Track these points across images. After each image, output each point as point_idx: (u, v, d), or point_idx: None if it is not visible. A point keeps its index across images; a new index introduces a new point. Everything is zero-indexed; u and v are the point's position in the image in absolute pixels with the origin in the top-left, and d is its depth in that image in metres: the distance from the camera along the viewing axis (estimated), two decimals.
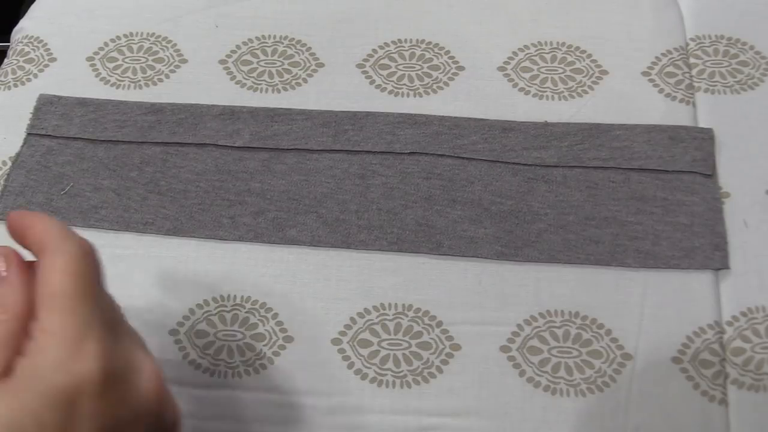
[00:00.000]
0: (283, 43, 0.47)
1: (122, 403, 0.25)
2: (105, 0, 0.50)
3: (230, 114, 0.44)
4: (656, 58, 0.44)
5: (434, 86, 0.44)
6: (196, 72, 0.46)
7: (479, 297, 0.38)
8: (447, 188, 0.41)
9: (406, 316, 0.38)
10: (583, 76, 0.44)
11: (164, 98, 0.45)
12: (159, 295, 0.39)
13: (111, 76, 0.46)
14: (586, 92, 0.44)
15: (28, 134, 0.44)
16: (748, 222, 0.39)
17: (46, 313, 0.25)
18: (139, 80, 0.46)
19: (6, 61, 0.48)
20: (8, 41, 0.50)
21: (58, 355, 0.24)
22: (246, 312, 0.39)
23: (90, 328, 0.24)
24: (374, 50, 0.46)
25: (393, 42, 0.46)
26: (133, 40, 0.48)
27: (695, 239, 0.39)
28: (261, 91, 0.45)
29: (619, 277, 0.38)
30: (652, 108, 0.43)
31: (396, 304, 0.38)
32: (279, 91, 0.45)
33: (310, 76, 0.45)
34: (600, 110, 0.43)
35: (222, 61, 0.46)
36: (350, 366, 0.37)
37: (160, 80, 0.46)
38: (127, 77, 0.46)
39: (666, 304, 0.38)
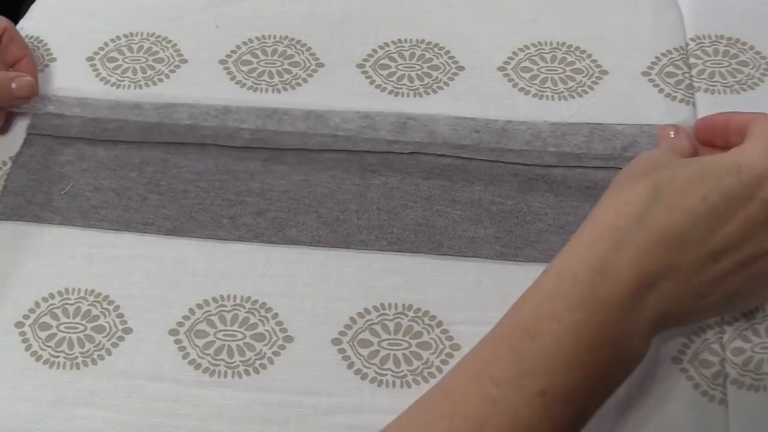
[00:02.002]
0: (283, 43, 0.47)
1: None
2: (105, 0, 0.50)
3: (230, 114, 0.44)
4: (656, 58, 0.44)
5: (434, 86, 0.44)
6: (196, 72, 0.46)
7: (479, 297, 0.38)
8: (447, 188, 0.41)
9: (406, 316, 0.38)
10: (583, 76, 0.44)
11: (164, 98, 0.45)
12: (159, 295, 0.39)
13: (111, 76, 0.46)
14: (586, 92, 0.44)
15: (28, 134, 0.44)
16: None
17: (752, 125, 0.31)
18: (139, 80, 0.46)
19: None
20: None
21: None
22: (246, 312, 0.39)
23: None
24: (374, 50, 0.46)
25: (393, 42, 0.46)
26: (133, 40, 0.48)
27: None
28: (261, 91, 0.45)
29: None
30: (652, 108, 0.43)
31: (396, 304, 0.38)
32: (279, 91, 0.45)
33: (310, 76, 0.45)
34: (600, 110, 0.43)
35: (222, 61, 0.46)
36: (350, 366, 0.37)
37: (160, 80, 0.46)
38: (127, 77, 0.46)
39: None
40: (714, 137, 0.35)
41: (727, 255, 0.29)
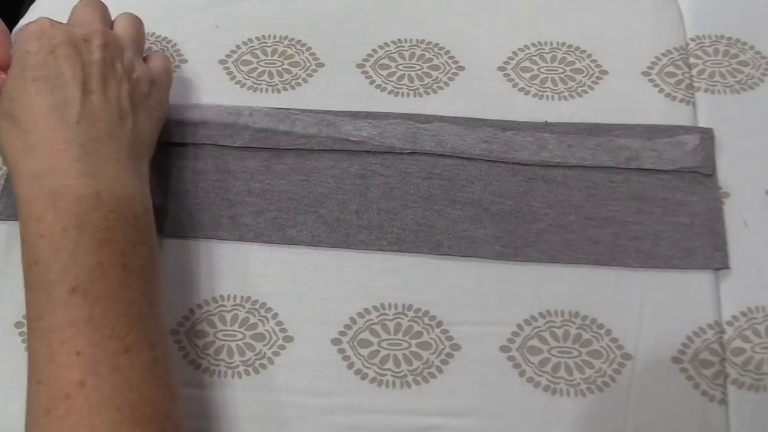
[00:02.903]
0: (283, 43, 0.47)
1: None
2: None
3: (230, 114, 0.44)
4: (656, 58, 0.44)
5: (434, 86, 0.44)
6: (196, 72, 0.46)
7: (479, 297, 0.38)
8: (447, 188, 0.41)
9: (406, 316, 0.38)
10: (583, 76, 0.44)
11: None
12: None
13: None
14: (586, 92, 0.44)
15: None
16: (748, 222, 0.39)
17: None
18: None
19: None
20: None
21: None
22: (246, 312, 0.39)
23: None
24: (374, 50, 0.46)
25: (393, 42, 0.46)
26: None
27: (695, 239, 0.39)
28: (261, 91, 0.45)
29: (619, 277, 0.38)
30: (652, 108, 0.43)
31: (396, 304, 0.38)
32: (279, 91, 0.45)
33: (310, 76, 0.45)
34: (600, 110, 0.43)
35: (222, 61, 0.46)
36: (350, 366, 0.37)
37: None
38: None
39: (666, 304, 0.38)
40: None
41: (94, 86, 0.36)
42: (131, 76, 0.38)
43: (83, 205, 0.32)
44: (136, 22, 0.42)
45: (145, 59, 0.42)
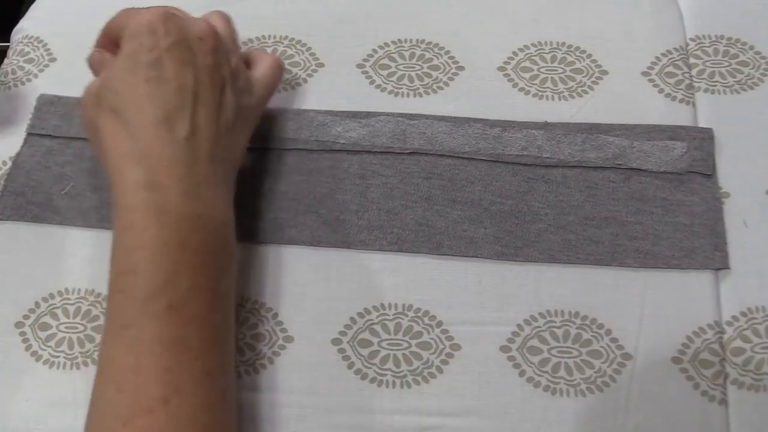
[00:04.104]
0: (283, 43, 0.47)
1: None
2: (105, 0, 0.50)
3: None
4: (656, 58, 0.44)
5: (434, 86, 0.44)
6: None
7: (479, 297, 0.38)
8: (447, 188, 0.41)
9: (406, 316, 0.38)
10: (583, 76, 0.44)
11: None
12: None
13: None
14: (586, 92, 0.44)
15: (28, 134, 0.44)
16: (748, 222, 0.39)
17: None
18: None
19: (6, 61, 0.48)
20: (8, 41, 0.50)
21: None
22: (246, 312, 0.39)
23: None
24: (374, 50, 0.46)
25: (393, 42, 0.46)
26: None
27: (695, 239, 0.39)
28: None
29: (619, 277, 0.38)
30: (652, 108, 0.43)
31: (396, 304, 0.38)
32: (279, 91, 0.45)
33: (310, 76, 0.45)
34: (600, 110, 0.43)
35: None
36: (350, 366, 0.37)
37: None
38: None
39: (666, 304, 0.38)
40: (111, 43, 0.38)
41: (203, 97, 0.34)
42: (236, 84, 0.37)
43: (186, 225, 0.32)
44: (231, 22, 0.39)
45: (250, 62, 0.40)
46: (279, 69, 0.41)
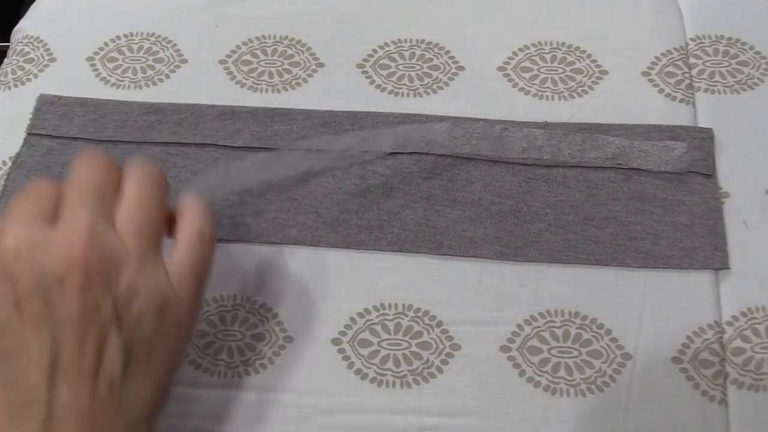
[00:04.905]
0: (283, 43, 0.47)
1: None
2: (105, 0, 0.50)
3: (230, 114, 0.44)
4: (656, 58, 0.44)
5: (434, 86, 0.44)
6: (196, 72, 0.46)
7: (479, 297, 0.38)
8: (447, 188, 0.41)
9: (406, 316, 0.38)
10: (583, 76, 0.44)
11: (164, 98, 0.45)
12: None
13: (111, 76, 0.46)
14: (586, 92, 0.44)
15: (28, 134, 0.44)
16: (748, 222, 0.39)
17: None
18: (139, 80, 0.46)
19: (6, 61, 0.48)
20: (8, 41, 0.50)
21: None
22: (246, 312, 0.39)
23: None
24: (374, 50, 0.46)
25: (393, 42, 0.46)
26: (133, 40, 0.48)
27: (695, 239, 0.39)
28: (261, 91, 0.45)
29: (619, 277, 0.38)
30: (652, 108, 0.43)
31: (396, 304, 0.38)
32: (279, 91, 0.45)
33: (310, 76, 0.45)
34: (600, 110, 0.43)
35: (222, 61, 0.46)
36: (350, 366, 0.37)
37: (160, 80, 0.46)
38: (127, 77, 0.46)
39: (666, 304, 0.38)
40: None
41: (66, 363, 0.26)
42: (128, 313, 0.27)
43: None
44: (154, 186, 0.31)
45: (172, 223, 0.32)
46: (204, 245, 0.31)
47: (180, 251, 0.30)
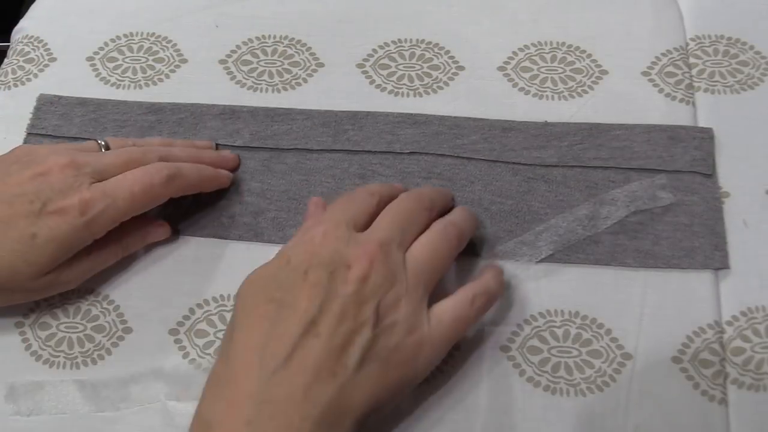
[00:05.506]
0: (283, 43, 0.47)
1: None
2: (105, 0, 0.50)
3: (230, 114, 0.44)
4: (656, 58, 0.44)
5: (434, 86, 0.44)
6: (196, 72, 0.46)
7: None
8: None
9: None
10: (583, 76, 0.44)
11: (164, 98, 0.45)
12: (159, 294, 0.39)
13: (111, 76, 0.46)
14: (586, 92, 0.44)
15: (28, 134, 0.44)
16: (748, 222, 0.39)
17: None
18: (139, 80, 0.46)
19: (6, 61, 0.48)
20: (8, 41, 0.50)
21: None
22: None
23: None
24: (374, 50, 0.46)
25: (393, 42, 0.46)
26: (133, 40, 0.48)
27: (695, 239, 0.39)
28: (261, 91, 0.45)
29: (619, 277, 0.38)
30: (652, 108, 0.43)
31: None
32: (279, 91, 0.45)
33: (310, 76, 0.45)
34: (600, 110, 0.43)
35: (222, 61, 0.46)
36: None
37: (160, 80, 0.46)
38: (127, 77, 0.46)
39: (666, 304, 0.38)
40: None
41: (323, 327, 0.30)
42: (382, 321, 0.30)
43: None
44: (453, 242, 0.35)
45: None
46: (480, 308, 0.34)
47: (458, 296, 0.33)
